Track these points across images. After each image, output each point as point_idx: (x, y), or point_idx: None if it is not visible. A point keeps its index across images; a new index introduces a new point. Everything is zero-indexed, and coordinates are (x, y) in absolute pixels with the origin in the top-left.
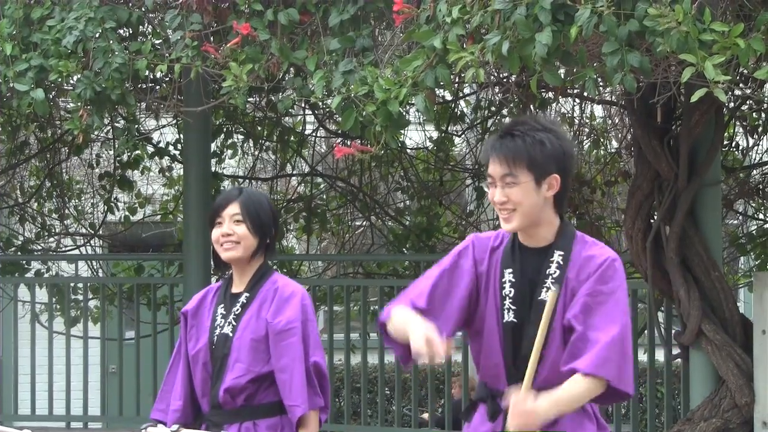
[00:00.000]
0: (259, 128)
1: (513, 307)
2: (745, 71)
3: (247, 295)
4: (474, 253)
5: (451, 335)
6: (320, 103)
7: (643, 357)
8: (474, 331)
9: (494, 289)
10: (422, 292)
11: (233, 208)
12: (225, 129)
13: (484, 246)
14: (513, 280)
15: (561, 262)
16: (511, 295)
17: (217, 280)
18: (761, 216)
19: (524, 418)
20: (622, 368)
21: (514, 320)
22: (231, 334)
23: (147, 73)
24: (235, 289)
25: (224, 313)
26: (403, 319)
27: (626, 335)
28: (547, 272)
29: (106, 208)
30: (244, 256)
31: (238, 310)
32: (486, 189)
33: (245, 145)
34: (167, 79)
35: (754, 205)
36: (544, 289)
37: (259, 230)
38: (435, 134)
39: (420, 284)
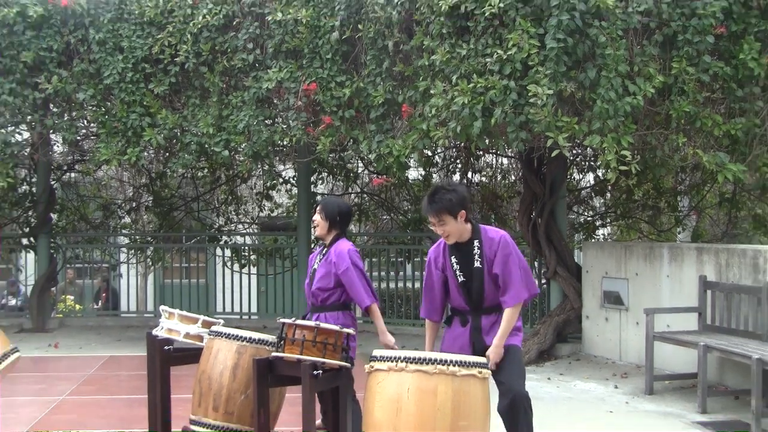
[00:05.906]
0: (335, 169)
1: (461, 273)
2: (578, 141)
3: (326, 250)
4: (434, 260)
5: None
6: (366, 157)
7: None
8: (446, 290)
9: (449, 267)
10: (428, 309)
11: (318, 208)
12: (317, 170)
13: (436, 252)
14: (457, 260)
15: (479, 245)
16: (458, 267)
17: (315, 246)
18: (585, 214)
19: (495, 356)
20: (529, 286)
21: (464, 279)
22: (317, 267)
23: (279, 141)
24: (326, 248)
25: (320, 258)
26: (427, 337)
27: (524, 266)
28: (474, 252)
29: (259, 209)
30: (322, 233)
31: (322, 256)
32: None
33: (328, 177)
34: (289, 145)
35: (582, 208)
36: (476, 262)
37: (329, 217)
38: (423, 172)
39: (425, 296)
